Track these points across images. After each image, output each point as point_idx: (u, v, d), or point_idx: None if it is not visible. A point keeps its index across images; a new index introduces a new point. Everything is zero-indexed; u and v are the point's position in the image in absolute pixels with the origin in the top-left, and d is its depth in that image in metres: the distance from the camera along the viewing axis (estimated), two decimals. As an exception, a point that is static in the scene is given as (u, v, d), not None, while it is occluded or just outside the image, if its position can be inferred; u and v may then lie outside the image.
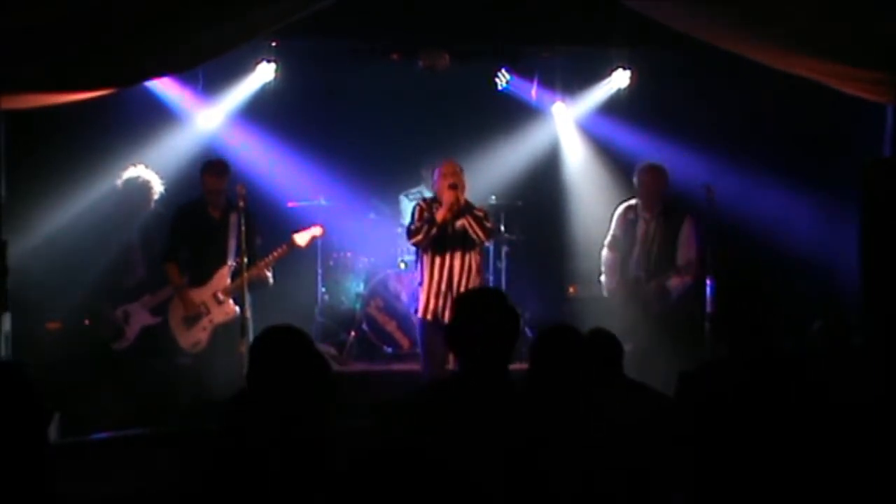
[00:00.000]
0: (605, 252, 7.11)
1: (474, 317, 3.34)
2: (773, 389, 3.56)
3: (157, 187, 7.07)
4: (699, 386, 3.65)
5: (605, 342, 4.22)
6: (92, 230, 7.13)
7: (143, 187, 7.06)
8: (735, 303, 3.69)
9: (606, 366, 4.17)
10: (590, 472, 3.24)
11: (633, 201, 7.03)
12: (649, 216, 6.90)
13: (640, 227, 6.92)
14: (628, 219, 6.99)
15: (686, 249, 6.79)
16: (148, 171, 7.11)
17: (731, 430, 3.51)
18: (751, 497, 3.48)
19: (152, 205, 7.09)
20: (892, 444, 3.87)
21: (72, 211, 7.32)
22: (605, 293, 7.10)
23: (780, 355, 3.66)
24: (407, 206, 8.61)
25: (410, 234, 6.46)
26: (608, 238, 7.10)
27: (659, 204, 6.90)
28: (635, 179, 6.96)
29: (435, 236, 6.34)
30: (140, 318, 6.84)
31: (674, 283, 6.77)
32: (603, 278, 7.12)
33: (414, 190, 8.66)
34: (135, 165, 7.14)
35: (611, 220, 7.11)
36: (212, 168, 6.72)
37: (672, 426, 3.70)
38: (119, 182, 7.11)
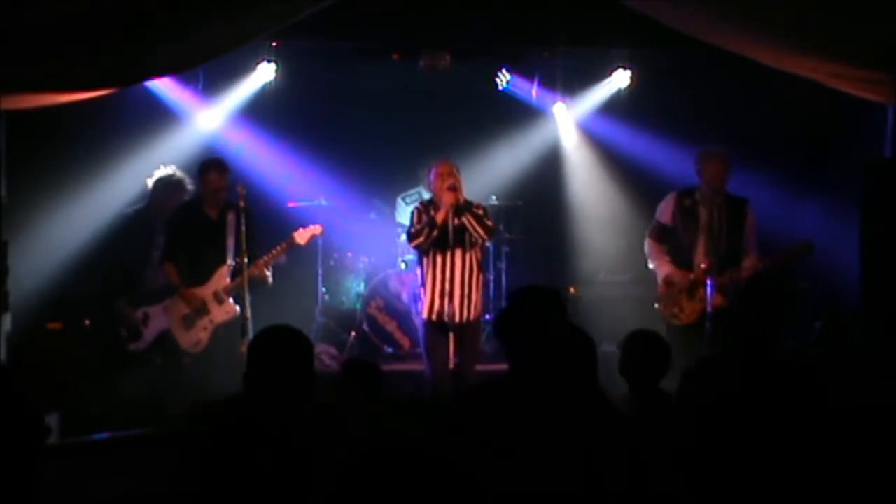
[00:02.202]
0: (649, 242, 6.79)
1: (525, 310, 3.31)
2: (773, 389, 3.56)
3: (188, 188, 7.05)
4: (701, 384, 3.66)
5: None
6: (110, 230, 7.15)
7: (174, 187, 7.07)
8: (756, 301, 3.70)
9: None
10: (600, 472, 3.24)
11: (686, 189, 6.71)
12: (713, 203, 6.59)
13: (703, 216, 6.59)
14: (685, 206, 6.64)
15: (753, 242, 6.56)
16: (179, 172, 7.12)
17: (731, 428, 3.51)
18: (751, 497, 3.48)
19: None
20: (893, 445, 3.86)
21: (80, 210, 7.34)
22: (660, 283, 6.69)
23: (781, 355, 3.67)
24: (404, 209, 8.61)
25: (411, 237, 6.46)
26: (653, 228, 6.79)
27: (724, 191, 6.63)
28: (699, 165, 6.63)
29: (436, 238, 6.34)
30: (159, 321, 6.75)
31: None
32: (653, 266, 6.77)
33: (412, 191, 8.66)
34: (165, 165, 7.16)
35: (656, 209, 6.82)
36: (215, 166, 6.70)
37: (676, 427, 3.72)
38: (149, 181, 7.12)
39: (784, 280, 3.97)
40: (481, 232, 6.37)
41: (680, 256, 6.65)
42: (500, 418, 3.18)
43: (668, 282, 6.62)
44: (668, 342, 6.32)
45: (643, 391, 4.24)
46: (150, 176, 7.15)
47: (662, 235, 6.74)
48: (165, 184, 7.09)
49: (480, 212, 6.44)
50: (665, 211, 6.75)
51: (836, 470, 3.49)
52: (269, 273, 6.67)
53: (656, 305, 6.67)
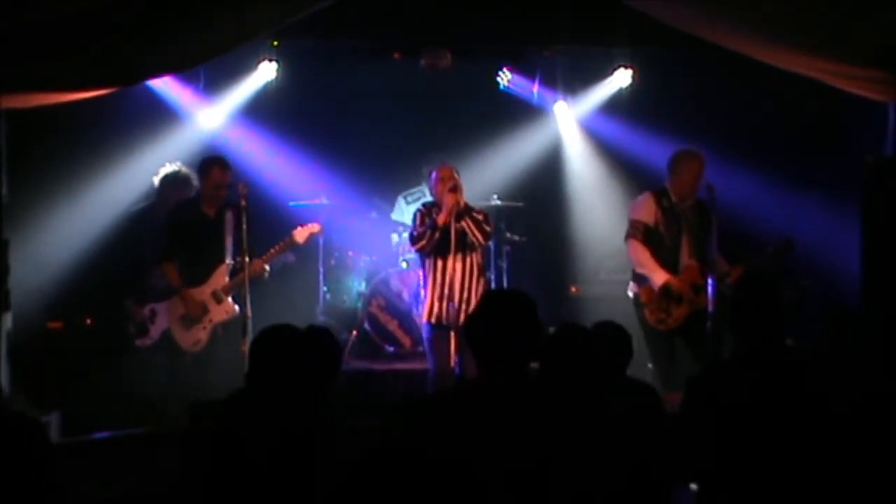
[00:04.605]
0: (635, 245, 6.38)
1: (492, 316, 3.31)
2: (777, 390, 3.56)
3: (194, 185, 7.03)
4: (709, 388, 3.66)
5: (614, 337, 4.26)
6: (118, 228, 7.16)
7: (181, 184, 7.08)
8: (752, 302, 3.70)
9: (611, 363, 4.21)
10: (597, 473, 3.24)
11: (660, 189, 6.50)
12: (688, 204, 6.45)
13: (682, 216, 6.44)
14: (663, 207, 6.43)
15: (716, 243, 6.28)
16: (185, 168, 7.14)
17: (739, 430, 3.52)
18: (755, 497, 3.48)
19: None
20: (893, 445, 3.86)
21: (80, 209, 7.34)
22: (657, 287, 6.28)
23: (784, 356, 3.67)
24: (404, 207, 8.61)
25: (414, 240, 6.53)
26: (636, 229, 6.41)
27: (697, 191, 6.43)
28: (677, 166, 6.44)
29: (437, 240, 6.39)
30: (165, 318, 6.73)
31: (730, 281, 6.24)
32: (645, 271, 6.36)
33: (414, 190, 8.64)
34: (171, 162, 7.17)
35: (633, 210, 6.52)
36: (218, 162, 6.69)
37: (674, 427, 3.72)
38: (156, 178, 7.13)
39: (777, 280, 3.95)
40: (479, 236, 6.45)
41: (664, 258, 6.37)
42: (473, 420, 3.17)
43: (664, 289, 6.29)
44: (649, 346, 6.34)
45: (610, 381, 4.19)
46: (155, 174, 7.18)
47: (647, 236, 6.39)
48: (172, 180, 7.11)
49: (480, 217, 6.51)
50: (647, 211, 6.44)
51: (838, 469, 3.49)
52: (266, 268, 6.67)
53: (645, 311, 6.37)
